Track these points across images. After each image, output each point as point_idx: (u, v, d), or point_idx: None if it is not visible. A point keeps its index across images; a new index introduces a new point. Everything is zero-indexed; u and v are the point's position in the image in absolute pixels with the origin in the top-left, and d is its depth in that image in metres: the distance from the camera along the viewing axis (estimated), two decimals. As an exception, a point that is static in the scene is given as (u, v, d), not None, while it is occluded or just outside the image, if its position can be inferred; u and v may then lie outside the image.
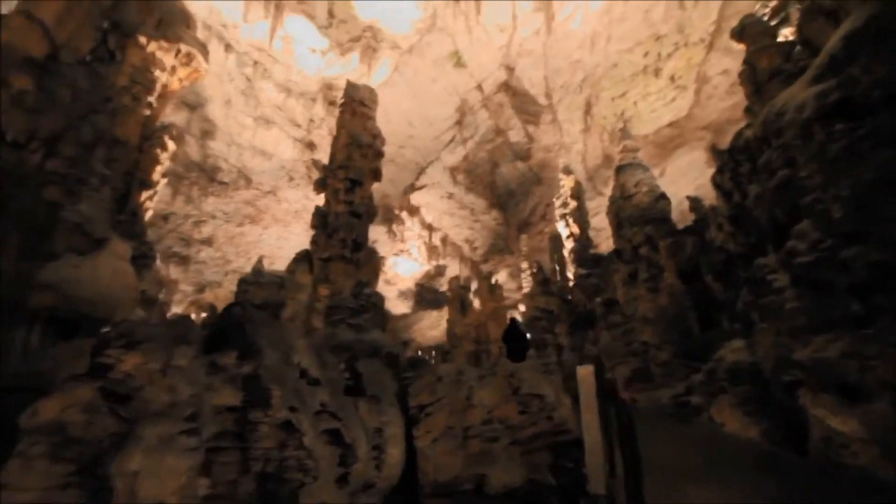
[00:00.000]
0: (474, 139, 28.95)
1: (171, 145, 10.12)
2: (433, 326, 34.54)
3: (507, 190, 33.87)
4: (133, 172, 9.07)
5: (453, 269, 35.23)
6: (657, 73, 26.36)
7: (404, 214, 30.14)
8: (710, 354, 8.26)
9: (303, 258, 10.04)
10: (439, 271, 35.39)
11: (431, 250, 33.32)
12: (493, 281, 17.43)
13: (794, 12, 10.58)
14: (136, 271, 7.46)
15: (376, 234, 29.73)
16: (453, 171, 30.09)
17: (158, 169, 9.97)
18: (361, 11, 17.51)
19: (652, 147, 28.37)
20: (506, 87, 27.43)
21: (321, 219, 10.30)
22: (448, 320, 16.77)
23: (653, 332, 9.82)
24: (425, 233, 32.31)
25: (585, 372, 3.88)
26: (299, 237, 24.11)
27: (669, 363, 8.99)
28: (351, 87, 11.56)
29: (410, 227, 31.44)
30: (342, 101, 11.27)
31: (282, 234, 21.53)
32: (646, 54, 25.62)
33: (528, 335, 16.95)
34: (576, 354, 11.39)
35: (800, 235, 7.19)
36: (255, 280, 7.89)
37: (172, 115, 16.76)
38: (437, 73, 23.43)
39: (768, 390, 5.58)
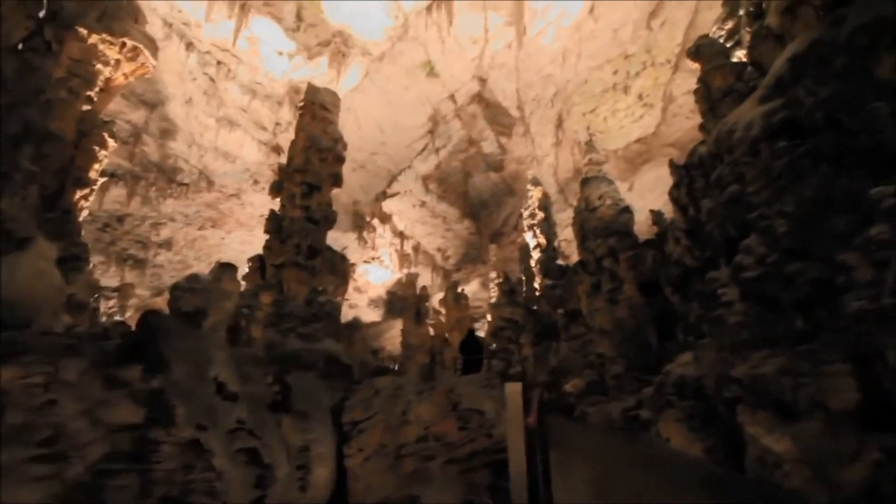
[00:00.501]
0: (447, 148, 28.88)
1: (111, 142, 9.58)
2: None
3: (480, 200, 33.91)
4: (68, 169, 8.50)
5: (425, 277, 34.98)
6: (626, 90, 26.94)
7: (376, 222, 29.75)
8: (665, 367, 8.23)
9: (255, 263, 9.61)
10: (411, 279, 35.06)
11: (403, 258, 32.97)
12: (458, 290, 17.20)
13: (747, 34, 10.80)
14: (64, 274, 6.93)
15: (347, 240, 29.25)
16: (426, 179, 29.92)
17: (96, 166, 9.41)
18: (331, 16, 17.24)
19: (622, 162, 28.89)
20: (479, 98, 27.51)
21: (275, 223, 9.91)
22: (402, 330, 16.40)
23: (609, 344, 9.75)
24: (397, 240, 31.96)
25: (512, 390, 3.66)
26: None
27: (622, 376, 8.90)
28: (312, 91, 11.26)
29: (382, 235, 31.04)
30: (302, 103, 10.94)
31: (246, 239, 20.88)
32: (615, 72, 26.16)
33: (492, 345, 16.83)
34: (530, 364, 11.24)
35: (747, 250, 7.21)
36: (190, 286, 7.43)
37: (130, 114, 16.11)
38: (410, 82, 23.30)
39: (713, 406, 5.50)
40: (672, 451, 5.74)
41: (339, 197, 26.57)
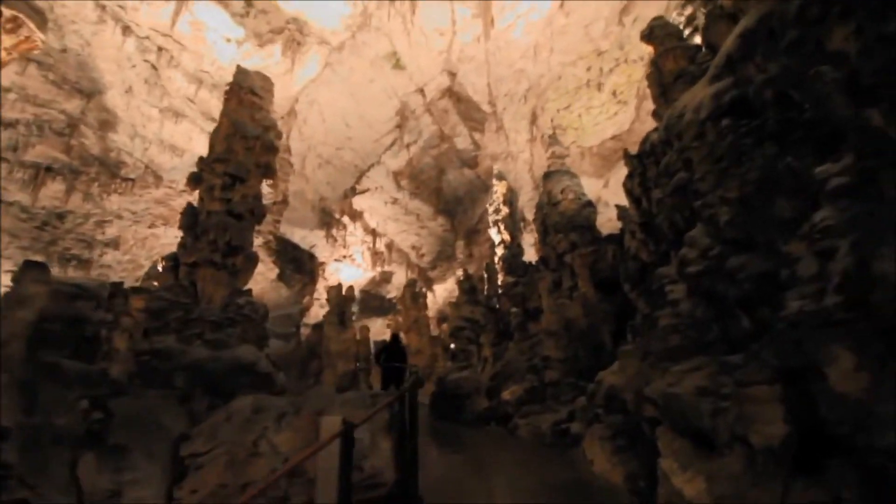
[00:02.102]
0: (418, 144, 27.87)
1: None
2: (378, 334, 33.06)
3: (455, 197, 32.97)
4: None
5: (400, 276, 33.95)
6: (600, 87, 26.25)
7: (346, 219, 28.64)
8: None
9: (168, 262, 8.53)
10: (385, 278, 34.02)
11: (376, 256, 31.92)
12: (416, 289, 16.22)
13: (703, 17, 9.93)
14: None
15: (314, 238, 28.10)
16: (397, 175, 28.88)
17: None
18: (284, 2, 16.13)
19: (597, 159, 28.17)
20: (449, 92, 26.55)
21: (190, 218, 8.84)
22: (324, 336, 15.32)
23: (555, 345, 8.85)
24: (369, 238, 30.90)
25: (328, 426, 2.73)
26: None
27: (559, 383, 7.99)
28: (240, 73, 10.19)
29: (353, 233, 29.94)
30: (227, 87, 9.86)
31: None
32: (588, 68, 25.46)
33: (451, 345, 15.89)
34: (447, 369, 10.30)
35: (691, 242, 6.33)
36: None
37: (64, 103, 14.86)
38: (375, 74, 22.23)
39: (639, 423, 4.62)
40: (591, 478, 4.83)
41: (305, 193, 25.44)
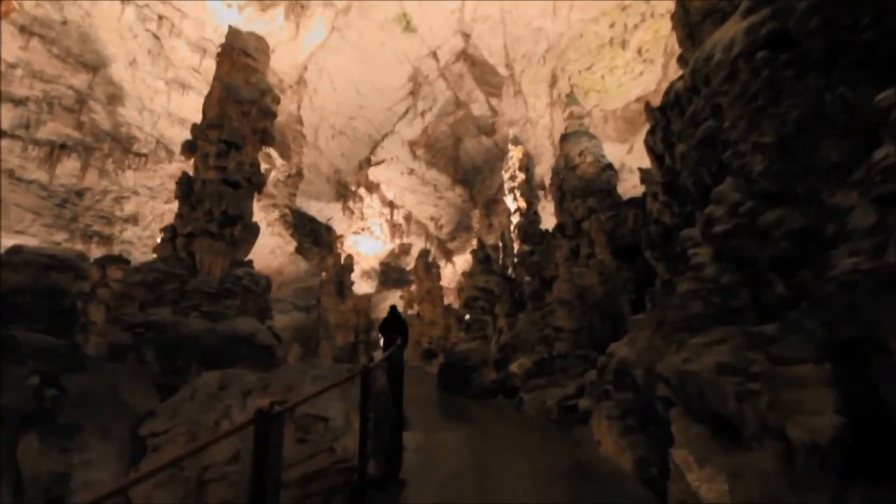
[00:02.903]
0: (433, 111, 26.87)
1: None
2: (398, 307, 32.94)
3: (473, 166, 32.01)
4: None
5: (419, 247, 33.53)
6: (624, 45, 24.56)
7: (362, 191, 28.17)
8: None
9: (167, 233, 8.23)
10: (404, 249, 33.67)
11: (394, 228, 31.52)
12: (429, 259, 15.72)
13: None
14: None
15: (332, 211, 27.80)
16: (412, 145, 28.06)
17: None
18: (285, -38, 15.26)
19: (621, 123, 26.68)
20: (464, 55, 25.30)
21: (185, 187, 8.46)
22: (321, 308, 14.94)
23: (568, 315, 8.23)
24: (387, 210, 30.43)
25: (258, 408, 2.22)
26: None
27: (568, 355, 7.39)
28: (233, 34, 9.57)
29: (370, 205, 29.51)
30: (219, 48, 9.28)
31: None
32: (612, 25, 23.78)
33: (466, 316, 15.43)
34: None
35: (718, 198, 5.53)
36: (8, 260, 6.02)
37: (70, 78, 14.62)
38: (385, 38, 21.22)
39: (652, 402, 4.02)
40: (597, 461, 4.29)
41: (320, 166, 24.98)
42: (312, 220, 25.76)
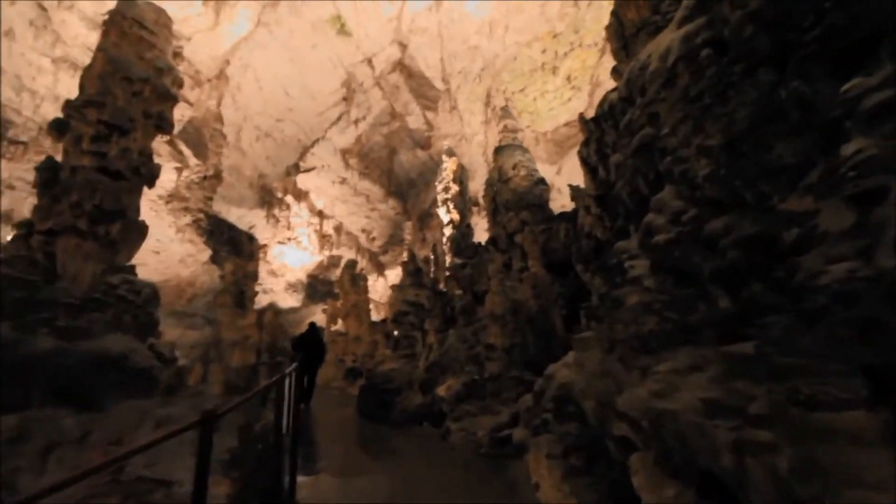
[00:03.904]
0: (367, 121, 25.90)
1: None
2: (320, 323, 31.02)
3: (407, 179, 31.32)
4: None
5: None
6: (554, 71, 25.47)
7: (289, 199, 26.34)
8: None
9: (20, 229, 6.52)
10: (334, 262, 31.97)
11: (324, 239, 29.82)
12: (356, 270, 14.60)
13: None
14: None
15: (254, 218, 25.66)
16: (345, 153, 26.82)
17: None
18: (205, -57, 13.75)
19: (551, 145, 27.41)
20: (400, 65, 24.73)
21: (47, 174, 6.83)
22: (218, 321, 13.37)
23: (501, 332, 7.58)
24: (316, 220, 28.73)
25: None
26: (145, 217, 19.66)
27: (501, 376, 6.72)
28: (125, 3, 8.10)
29: (298, 214, 27.67)
30: (105, 16, 7.77)
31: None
32: (544, 51, 24.58)
33: (394, 332, 14.43)
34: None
35: (659, 207, 5.10)
36: None
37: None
38: (318, 39, 20.06)
39: (602, 437, 3.36)
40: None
41: (242, 169, 22.98)
42: (232, 227, 23.54)
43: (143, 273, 21.90)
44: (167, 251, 21.27)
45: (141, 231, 7.76)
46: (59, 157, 9.68)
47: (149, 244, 21.37)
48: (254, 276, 14.14)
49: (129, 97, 7.57)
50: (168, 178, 19.37)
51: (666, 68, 5.52)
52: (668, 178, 5.23)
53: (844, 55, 3.24)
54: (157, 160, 19.22)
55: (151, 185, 8.08)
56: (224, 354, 11.51)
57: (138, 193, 7.71)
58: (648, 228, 5.17)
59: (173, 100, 8.39)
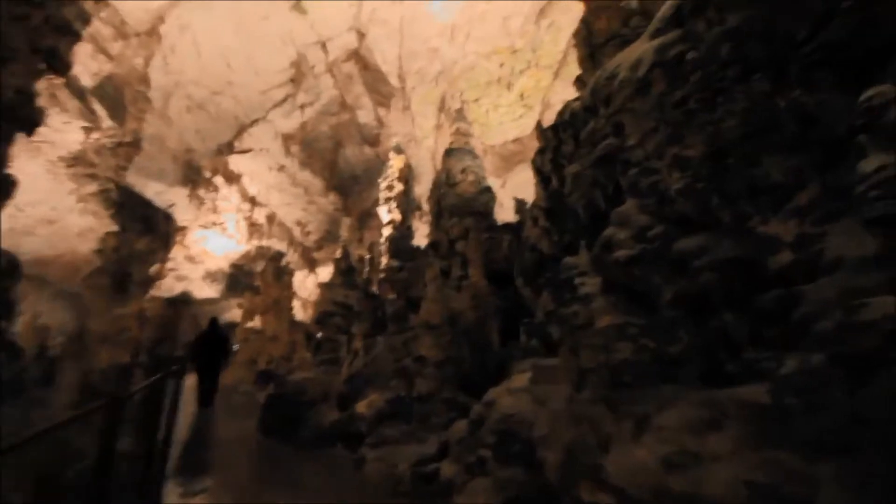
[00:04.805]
0: (315, 108, 24.41)
1: None
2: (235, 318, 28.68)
3: (351, 175, 29.95)
4: None
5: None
6: (509, 86, 25.76)
7: (219, 179, 24.08)
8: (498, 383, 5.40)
9: None
10: (262, 253, 29.73)
11: (253, 228, 27.62)
12: (281, 263, 13.28)
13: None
14: None
15: (175, 196, 23.11)
16: (287, 139, 25.05)
17: None
18: None
19: (498, 159, 27.51)
20: (356, 56, 23.61)
21: None
22: (86, 308, 11.68)
23: (435, 343, 6.87)
24: (246, 206, 26.54)
25: None
26: (41, 180, 16.92)
27: (430, 397, 5.98)
28: None
29: (227, 197, 25.37)
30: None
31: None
32: (501, 65, 24.80)
33: (318, 334, 13.26)
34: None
35: (621, 221, 4.64)
36: None
37: None
38: (270, 10, 18.50)
39: (558, 496, 2.71)
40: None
41: (166, 140, 20.60)
42: (148, 203, 20.98)
43: (29, 244, 18.74)
44: (63, 222, 18.42)
45: (7, 188, 6.16)
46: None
47: (40, 211, 18.36)
48: (150, 258, 12.08)
49: (10, 21, 6.05)
50: (73, 138, 16.81)
51: (637, 77, 5.12)
52: (632, 192, 4.80)
53: (855, 65, 2.88)
54: (62, 117, 16.46)
55: (30, 132, 6.51)
56: (88, 350, 9.44)
57: (8, 140, 6.15)
58: (607, 243, 4.67)
59: (74, 36, 6.89)
